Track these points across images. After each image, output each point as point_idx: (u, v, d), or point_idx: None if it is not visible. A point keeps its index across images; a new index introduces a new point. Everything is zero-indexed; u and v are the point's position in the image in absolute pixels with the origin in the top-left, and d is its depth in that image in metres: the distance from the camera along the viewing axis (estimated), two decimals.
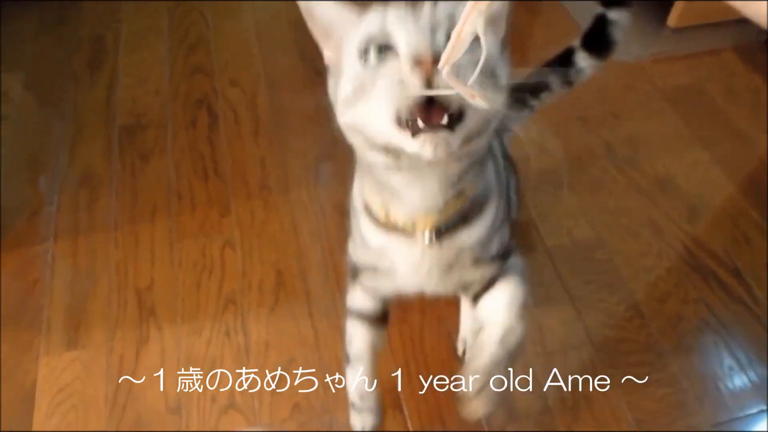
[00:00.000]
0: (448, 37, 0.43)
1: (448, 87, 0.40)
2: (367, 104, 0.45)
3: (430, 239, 0.57)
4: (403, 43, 0.44)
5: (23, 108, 1.48)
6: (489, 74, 0.45)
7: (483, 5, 0.37)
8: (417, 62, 0.41)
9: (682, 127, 1.44)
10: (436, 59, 0.40)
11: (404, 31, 0.45)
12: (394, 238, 0.58)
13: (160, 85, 1.50)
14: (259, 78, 1.51)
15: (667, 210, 1.27)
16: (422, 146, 0.43)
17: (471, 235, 0.59)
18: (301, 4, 0.52)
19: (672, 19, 1.66)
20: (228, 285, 1.13)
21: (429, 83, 0.41)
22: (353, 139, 0.50)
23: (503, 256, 0.65)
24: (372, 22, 0.48)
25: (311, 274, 1.15)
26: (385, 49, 0.45)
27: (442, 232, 0.57)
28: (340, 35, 0.51)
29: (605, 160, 1.37)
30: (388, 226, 0.58)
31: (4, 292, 1.13)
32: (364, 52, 0.46)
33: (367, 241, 0.61)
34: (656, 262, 1.19)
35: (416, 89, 0.41)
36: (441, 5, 0.47)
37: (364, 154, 0.52)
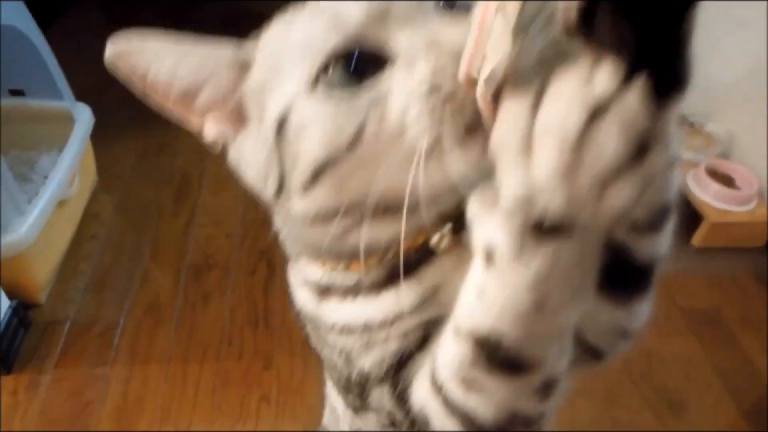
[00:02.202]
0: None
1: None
2: (373, 156, 0.31)
3: None
4: (408, 43, 0.30)
5: (111, 230, 1.68)
6: None
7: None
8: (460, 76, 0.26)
9: (698, 349, 1.54)
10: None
11: (406, 25, 0.30)
12: None
13: (231, 230, 1.69)
14: None
15: None
16: None
17: None
18: (119, 65, 0.36)
19: (696, 239, 1.81)
20: None
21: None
22: (323, 233, 0.36)
23: None
24: (305, 30, 0.33)
25: None
26: (359, 61, 0.31)
27: None
28: (218, 90, 0.37)
29: (621, 373, 1.46)
30: None
31: (58, 410, 1.25)
32: (324, 72, 0.31)
33: None
34: None
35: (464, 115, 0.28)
36: None
37: (349, 243, 0.36)
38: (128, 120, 2.07)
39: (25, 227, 1.33)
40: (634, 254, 0.37)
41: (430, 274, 0.36)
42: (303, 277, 0.44)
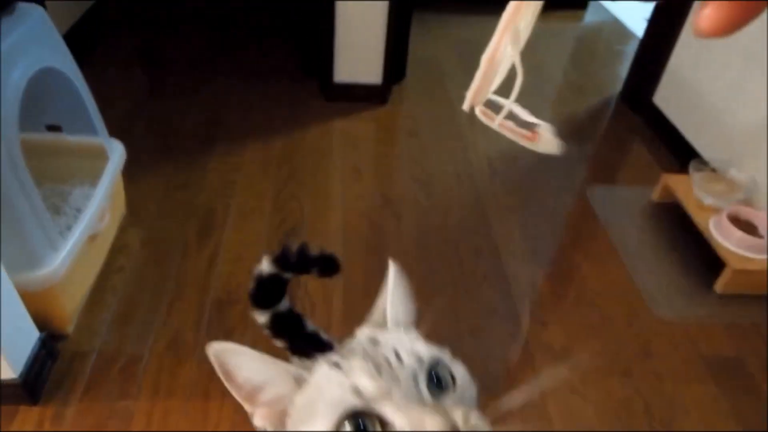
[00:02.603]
0: (435, 379, 0.43)
1: None
2: None
3: None
4: (397, 420, 0.40)
5: (137, 263, 1.72)
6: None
7: (522, 21, 0.30)
8: None
9: (720, 398, 1.52)
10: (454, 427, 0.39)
11: (391, 402, 0.41)
12: None
13: (254, 265, 1.72)
14: (338, 275, 1.72)
15: None
16: None
17: None
18: (212, 358, 0.45)
19: (719, 286, 1.80)
20: None
21: None
22: None
23: None
24: (341, 386, 0.43)
25: None
26: (364, 420, 0.41)
27: None
28: (275, 395, 0.46)
29: (642, 420, 1.45)
30: None
31: None
32: (341, 423, 0.41)
33: None
34: None
35: None
36: (403, 351, 0.44)
37: None
38: (156, 154, 2.15)
39: (57, 261, 1.37)
40: None
41: None
42: None
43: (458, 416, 0.40)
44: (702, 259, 1.86)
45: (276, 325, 0.79)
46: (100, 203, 1.57)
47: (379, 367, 0.42)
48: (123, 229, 1.81)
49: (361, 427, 0.40)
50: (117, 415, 1.33)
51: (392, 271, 0.51)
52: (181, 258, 1.74)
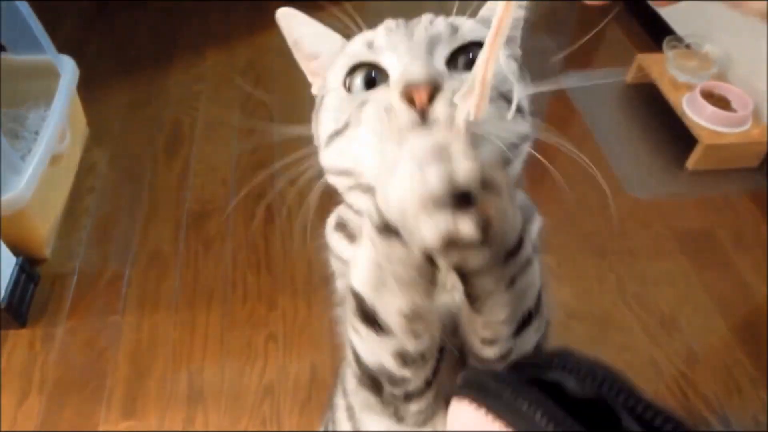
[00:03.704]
0: (451, 59, 0.40)
1: (447, 120, 0.34)
2: (351, 141, 0.40)
3: None
4: (392, 67, 0.40)
5: (107, 182, 1.69)
6: (504, 99, 0.39)
7: (509, 18, 0.31)
8: (408, 91, 0.35)
9: (690, 269, 1.58)
10: (434, 86, 0.35)
11: (394, 52, 0.40)
12: None
13: (227, 176, 1.70)
14: (315, 180, 1.70)
15: (668, 351, 1.40)
16: None
17: None
18: (280, 20, 0.48)
19: (691, 162, 1.81)
20: (268, 376, 1.28)
21: (424, 116, 0.35)
22: (337, 184, 0.46)
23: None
24: (359, 41, 0.44)
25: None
26: (376, 73, 0.41)
27: None
28: (324, 60, 0.48)
29: (615, 295, 1.51)
30: None
31: (75, 358, 1.31)
32: (349, 76, 0.42)
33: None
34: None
35: (408, 124, 0.35)
36: (439, 19, 0.42)
37: (351, 201, 0.47)
38: (113, 71, 2.04)
39: (21, 184, 1.33)
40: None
41: None
42: (338, 210, 0.55)
43: (450, 87, 0.35)
44: (675, 138, 1.86)
45: None
46: (57, 122, 1.51)
47: (407, 28, 0.42)
48: (88, 150, 1.76)
49: (373, 77, 0.41)
50: (106, 331, 1.35)
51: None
52: (152, 174, 1.71)
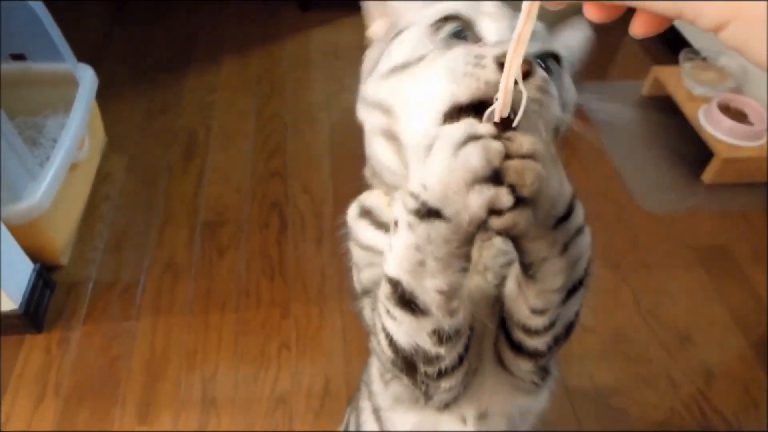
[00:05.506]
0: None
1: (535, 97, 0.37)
2: (414, 78, 0.42)
3: None
4: (490, 33, 0.42)
5: (124, 190, 1.71)
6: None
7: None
8: (503, 57, 0.35)
9: (706, 283, 1.56)
10: (529, 67, 0.38)
11: (498, 23, 0.42)
12: None
13: (242, 185, 1.71)
14: (327, 188, 1.71)
15: (684, 366, 1.38)
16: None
17: None
18: None
19: (707, 176, 1.80)
20: (281, 384, 1.29)
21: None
22: (367, 120, 0.49)
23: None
24: (459, 3, 0.45)
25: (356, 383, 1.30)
26: (468, 33, 0.43)
27: None
28: (400, 9, 0.50)
29: (630, 308, 1.49)
30: None
31: (90, 363, 1.32)
32: (440, 22, 0.43)
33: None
34: (668, 416, 1.29)
35: (490, 79, 0.36)
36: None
37: (370, 144, 0.50)
38: (130, 79, 2.07)
39: (39, 192, 1.35)
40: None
41: None
42: (360, 199, 0.57)
43: (540, 75, 0.39)
44: (691, 151, 1.85)
45: None
46: (76, 131, 1.53)
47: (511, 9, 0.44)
48: (105, 158, 1.78)
49: (463, 36, 0.43)
50: (121, 336, 1.36)
51: None
52: (168, 182, 1.72)
